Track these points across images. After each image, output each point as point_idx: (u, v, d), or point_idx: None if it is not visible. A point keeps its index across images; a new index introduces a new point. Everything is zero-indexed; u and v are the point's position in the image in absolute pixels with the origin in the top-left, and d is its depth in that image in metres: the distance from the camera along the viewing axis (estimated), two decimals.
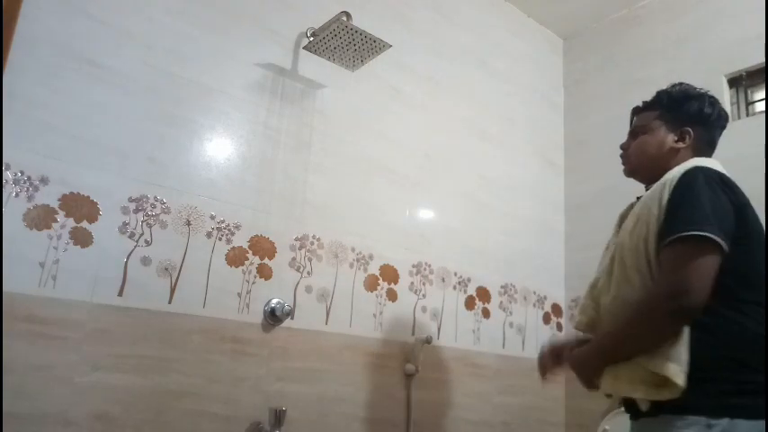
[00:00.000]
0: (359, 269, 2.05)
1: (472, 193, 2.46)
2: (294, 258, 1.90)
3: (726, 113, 1.41)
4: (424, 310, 2.19)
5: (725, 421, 1.02)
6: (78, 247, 1.51)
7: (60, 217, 1.50)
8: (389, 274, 2.11)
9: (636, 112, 1.47)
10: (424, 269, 2.22)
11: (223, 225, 1.77)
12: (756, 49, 2.29)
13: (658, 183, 1.25)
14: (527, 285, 2.56)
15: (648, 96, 1.47)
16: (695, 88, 1.41)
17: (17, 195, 1.45)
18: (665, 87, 1.43)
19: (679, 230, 1.09)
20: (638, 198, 1.34)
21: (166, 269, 1.64)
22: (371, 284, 2.07)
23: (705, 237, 1.07)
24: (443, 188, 2.37)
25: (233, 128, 1.85)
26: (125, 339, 1.53)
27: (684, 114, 1.36)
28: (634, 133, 1.44)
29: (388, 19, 2.30)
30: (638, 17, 2.80)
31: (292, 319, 1.84)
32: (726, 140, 2.31)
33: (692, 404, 1.04)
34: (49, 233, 1.47)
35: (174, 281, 1.65)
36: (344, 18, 1.81)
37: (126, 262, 1.58)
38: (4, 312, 1.34)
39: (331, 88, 2.09)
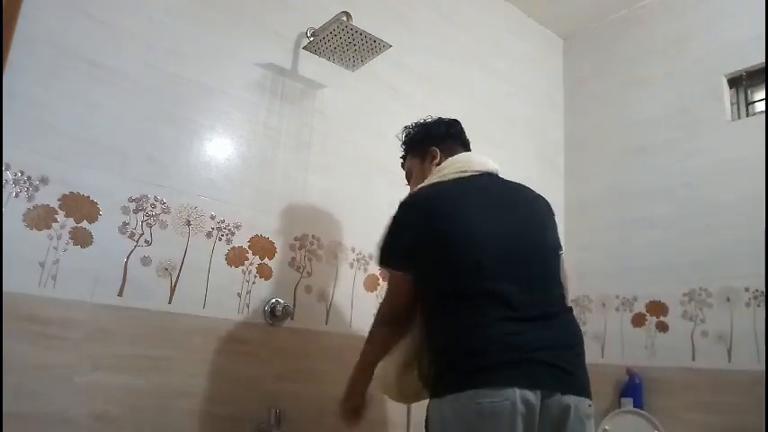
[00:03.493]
0: (359, 269, 2.05)
1: None
2: (294, 258, 1.90)
3: (438, 119, 1.64)
4: None
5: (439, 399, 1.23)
6: (78, 247, 1.51)
7: (60, 217, 1.50)
8: None
9: (402, 166, 1.71)
10: None
11: (223, 225, 1.77)
12: (756, 49, 2.29)
13: None
14: None
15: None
16: (415, 122, 1.65)
17: (17, 195, 1.45)
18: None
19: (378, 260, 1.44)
20: None
21: (166, 269, 1.64)
22: (371, 284, 2.07)
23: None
24: None
25: (233, 128, 1.85)
26: (125, 339, 1.53)
27: (422, 142, 1.60)
28: (408, 181, 1.67)
29: (388, 19, 2.30)
30: (638, 17, 2.81)
31: (292, 319, 1.84)
32: (726, 140, 2.36)
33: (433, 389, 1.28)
34: (49, 233, 1.47)
35: (174, 281, 1.65)
36: (344, 18, 1.81)
37: (126, 262, 1.58)
38: (4, 312, 1.34)
39: (331, 88, 2.09)
